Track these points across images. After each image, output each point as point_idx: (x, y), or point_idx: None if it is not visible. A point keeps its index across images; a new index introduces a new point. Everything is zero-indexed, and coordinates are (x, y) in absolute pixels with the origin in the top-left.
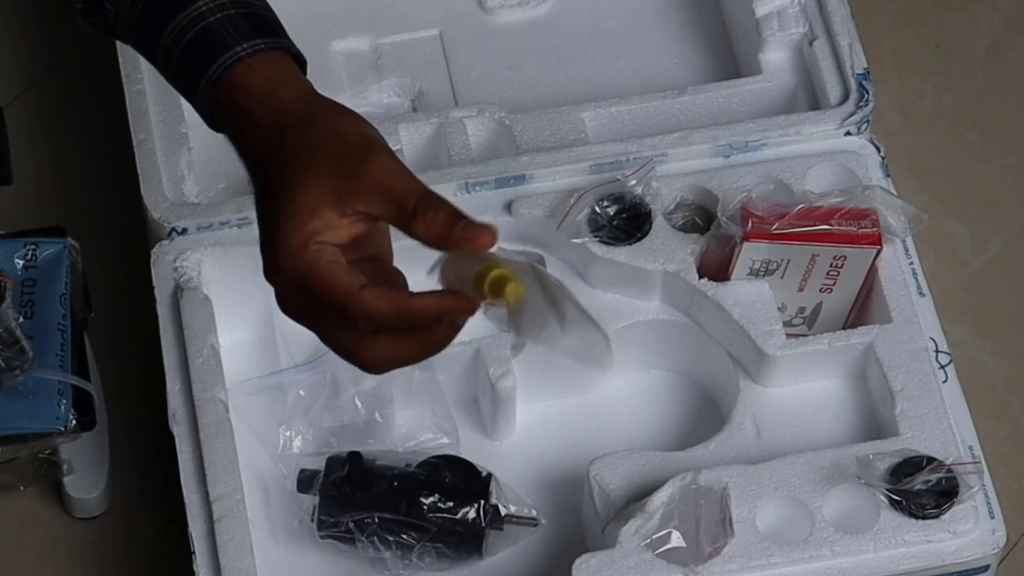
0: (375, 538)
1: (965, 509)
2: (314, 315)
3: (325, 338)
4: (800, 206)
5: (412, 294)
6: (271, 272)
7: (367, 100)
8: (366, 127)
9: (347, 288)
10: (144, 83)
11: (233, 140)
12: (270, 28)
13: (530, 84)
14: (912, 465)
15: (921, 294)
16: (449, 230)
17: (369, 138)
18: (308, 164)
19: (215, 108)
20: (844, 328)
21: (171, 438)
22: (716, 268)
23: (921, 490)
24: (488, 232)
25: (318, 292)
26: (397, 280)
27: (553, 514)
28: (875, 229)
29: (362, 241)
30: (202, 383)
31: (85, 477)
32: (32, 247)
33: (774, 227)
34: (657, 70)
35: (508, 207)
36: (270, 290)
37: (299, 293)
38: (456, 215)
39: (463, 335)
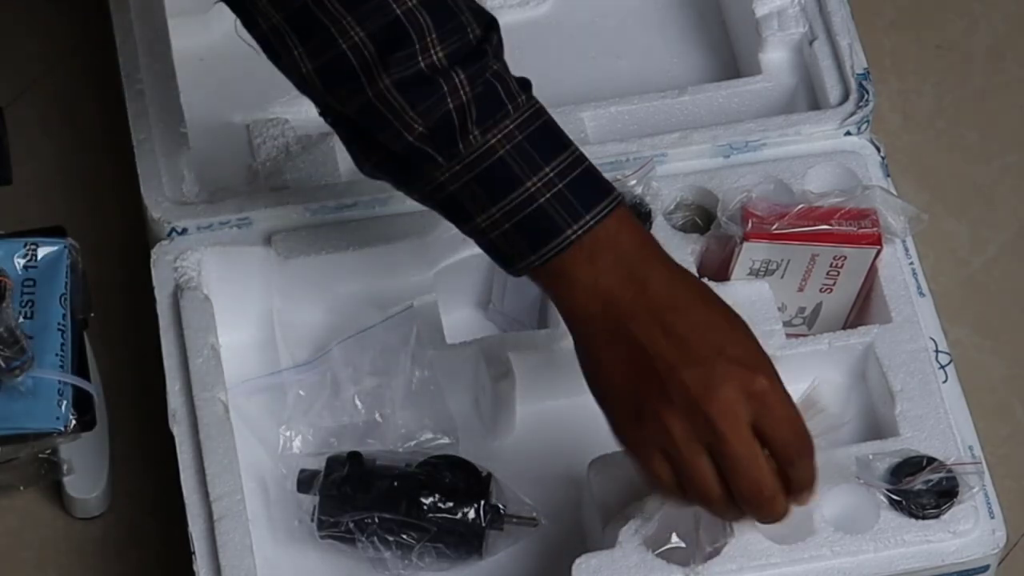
0: (375, 538)
1: (965, 509)
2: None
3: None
4: (800, 206)
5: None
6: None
7: None
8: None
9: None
10: (144, 83)
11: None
12: (597, 184)
13: None
14: (912, 465)
15: (921, 294)
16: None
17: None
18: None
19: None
20: (844, 328)
21: (171, 438)
22: (716, 268)
23: (921, 490)
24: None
25: (732, 456)
26: None
27: (553, 514)
28: (875, 229)
29: None
30: (202, 383)
31: (85, 477)
32: (32, 247)
33: (774, 227)
34: (657, 70)
35: None
36: (270, 290)
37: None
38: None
39: (464, 335)
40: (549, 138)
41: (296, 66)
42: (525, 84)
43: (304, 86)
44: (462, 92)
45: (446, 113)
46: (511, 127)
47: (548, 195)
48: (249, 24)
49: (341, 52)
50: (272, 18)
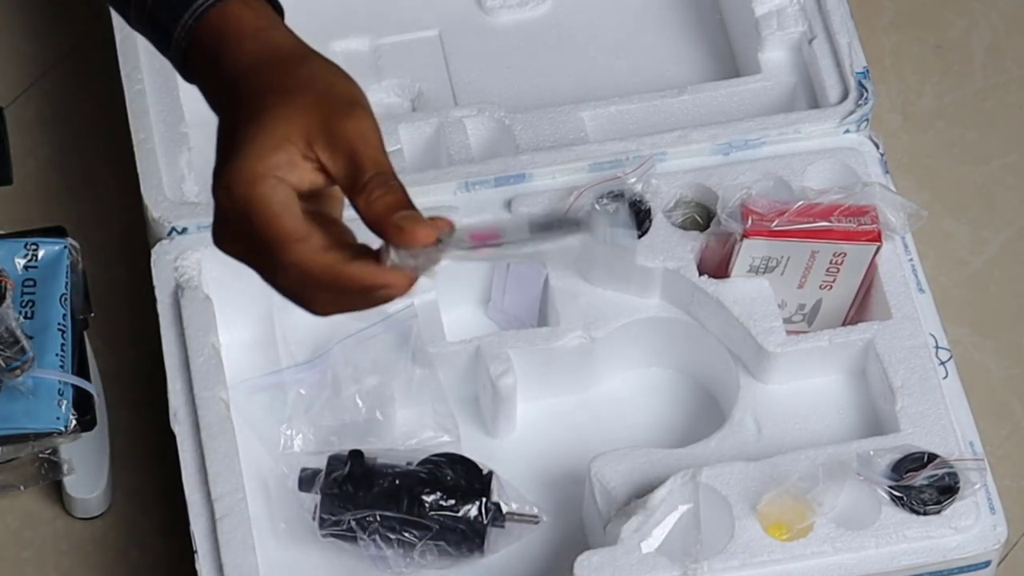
0: (377, 536)
1: (966, 505)
2: (252, 251)
3: (265, 277)
4: (800, 203)
5: (351, 259)
6: (220, 193)
7: None
8: (356, 89)
9: (289, 234)
10: (144, 83)
11: (209, 76)
12: None
13: (530, 84)
14: (913, 461)
15: (921, 290)
16: (387, 215)
17: (356, 98)
18: (288, 97)
19: (193, 46)
20: (844, 325)
21: (171, 438)
22: (716, 265)
23: (922, 486)
24: (425, 229)
25: (258, 228)
26: (350, 244)
27: (554, 511)
28: (875, 226)
29: (319, 198)
30: (203, 382)
31: (85, 477)
32: (32, 247)
33: (774, 224)
34: (656, 70)
35: (508, 205)
36: (271, 289)
37: (239, 223)
38: (401, 204)
39: (464, 333)
40: None
41: None
42: None
43: None
44: None
45: None
46: None
47: None
48: None
49: None
50: None
